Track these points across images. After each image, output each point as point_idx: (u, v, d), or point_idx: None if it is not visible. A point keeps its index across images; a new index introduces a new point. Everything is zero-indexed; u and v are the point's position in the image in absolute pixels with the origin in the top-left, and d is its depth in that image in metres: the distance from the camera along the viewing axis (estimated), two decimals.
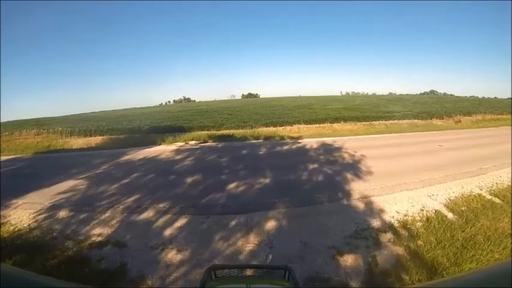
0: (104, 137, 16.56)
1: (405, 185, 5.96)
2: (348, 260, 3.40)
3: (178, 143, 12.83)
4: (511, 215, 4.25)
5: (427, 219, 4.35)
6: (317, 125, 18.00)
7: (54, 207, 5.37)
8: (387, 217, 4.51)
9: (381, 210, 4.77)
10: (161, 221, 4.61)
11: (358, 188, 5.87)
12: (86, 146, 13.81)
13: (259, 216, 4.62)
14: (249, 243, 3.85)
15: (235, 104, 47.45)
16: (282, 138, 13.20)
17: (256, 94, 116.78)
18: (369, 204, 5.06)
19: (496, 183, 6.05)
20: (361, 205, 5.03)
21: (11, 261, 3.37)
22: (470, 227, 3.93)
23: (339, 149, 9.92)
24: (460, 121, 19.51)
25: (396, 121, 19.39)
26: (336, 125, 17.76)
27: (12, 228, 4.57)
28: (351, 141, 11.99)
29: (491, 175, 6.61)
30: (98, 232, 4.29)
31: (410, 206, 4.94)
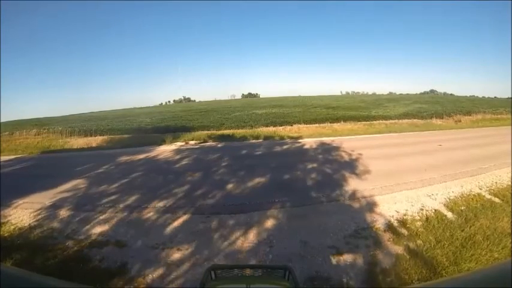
0: (104, 137, 16.60)
1: (405, 185, 5.96)
2: (348, 259, 3.40)
3: (178, 142, 12.84)
4: (510, 214, 4.25)
5: (427, 218, 4.35)
6: (317, 125, 18.01)
7: (55, 207, 5.37)
8: (387, 216, 4.52)
9: (381, 210, 4.77)
10: (161, 220, 4.61)
11: (357, 187, 5.86)
12: (86, 146, 13.82)
13: (258, 215, 4.63)
14: (249, 242, 3.86)
15: (235, 103, 47.45)
16: (282, 138, 13.19)
17: (257, 94, 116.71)
18: (368, 203, 5.06)
19: (496, 182, 6.05)
20: (360, 204, 5.03)
21: (11, 261, 3.38)
22: (470, 227, 3.93)
23: (339, 148, 9.91)
24: (460, 121, 19.52)
25: (396, 121, 19.41)
26: (335, 125, 17.76)
27: (12, 227, 4.57)
28: (351, 141, 11.98)
29: (490, 175, 6.61)
30: (99, 231, 4.30)
31: (410, 205, 4.94)
